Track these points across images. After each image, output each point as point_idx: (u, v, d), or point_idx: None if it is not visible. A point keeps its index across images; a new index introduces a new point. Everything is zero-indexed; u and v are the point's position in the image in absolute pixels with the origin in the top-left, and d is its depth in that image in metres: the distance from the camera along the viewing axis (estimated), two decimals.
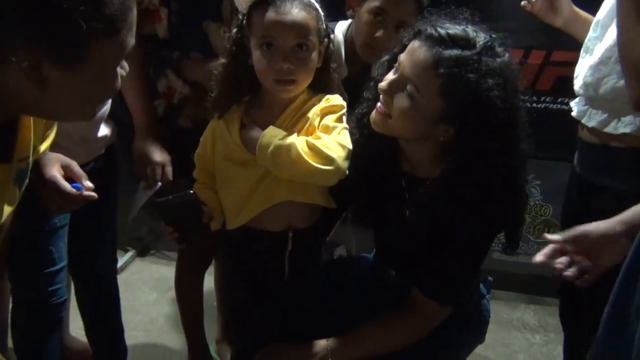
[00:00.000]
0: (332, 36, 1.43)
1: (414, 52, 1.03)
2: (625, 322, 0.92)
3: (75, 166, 1.06)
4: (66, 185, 1.02)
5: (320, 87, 1.13)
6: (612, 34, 1.17)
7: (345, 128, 1.10)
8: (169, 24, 1.41)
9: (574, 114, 1.32)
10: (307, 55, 1.05)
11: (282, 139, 1.03)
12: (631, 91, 1.04)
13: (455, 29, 1.01)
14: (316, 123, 1.09)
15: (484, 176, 1.04)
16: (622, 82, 1.13)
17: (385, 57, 1.14)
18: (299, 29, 1.02)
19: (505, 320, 2.18)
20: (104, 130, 1.38)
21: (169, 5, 1.40)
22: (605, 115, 1.21)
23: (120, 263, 2.32)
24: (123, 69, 0.81)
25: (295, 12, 1.02)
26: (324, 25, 1.08)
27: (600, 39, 1.23)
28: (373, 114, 1.11)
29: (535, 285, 2.22)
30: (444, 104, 1.02)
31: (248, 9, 1.06)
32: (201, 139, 1.17)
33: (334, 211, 1.23)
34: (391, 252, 1.31)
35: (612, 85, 1.18)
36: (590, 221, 1.27)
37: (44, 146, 1.00)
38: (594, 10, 1.32)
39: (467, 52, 0.99)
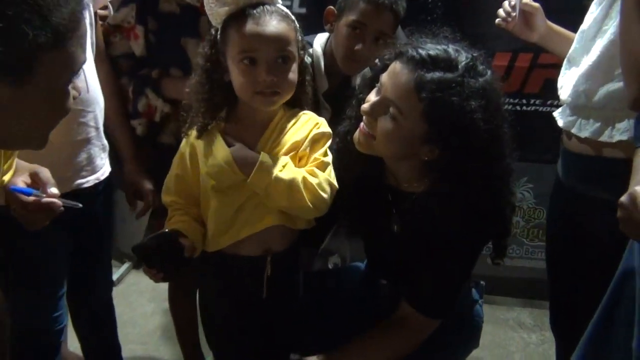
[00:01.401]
0: (310, 49, 1.44)
1: (396, 74, 1.02)
2: (608, 336, 0.94)
3: (43, 172, 0.97)
4: (18, 194, 0.93)
5: (295, 101, 1.12)
6: (600, 44, 1.17)
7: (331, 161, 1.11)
8: (146, 42, 1.41)
9: (560, 124, 1.30)
10: (289, 67, 1.04)
11: (281, 171, 1.02)
12: (630, 91, 1.03)
13: (436, 50, 1.00)
14: (307, 150, 1.08)
15: (469, 192, 1.04)
16: (615, 87, 1.13)
17: (367, 75, 1.14)
18: (280, 40, 1.01)
19: (501, 321, 2.19)
20: (95, 154, 1.34)
21: (146, 23, 1.39)
22: (598, 124, 1.20)
23: (116, 275, 2.32)
24: (76, 90, 0.76)
25: (275, 24, 1.00)
26: (301, 36, 1.07)
27: (585, 49, 1.22)
28: (357, 134, 1.10)
29: (531, 288, 2.22)
30: (427, 126, 1.01)
31: (223, 22, 1.03)
32: (176, 160, 1.14)
33: (325, 223, 1.23)
34: (382, 262, 1.31)
35: (605, 92, 1.17)
36: (578, 231, 1.29)
37: (7, 177, 0.95)
38: (571, 27, 1.33)
39: (449, 75, 0.98)
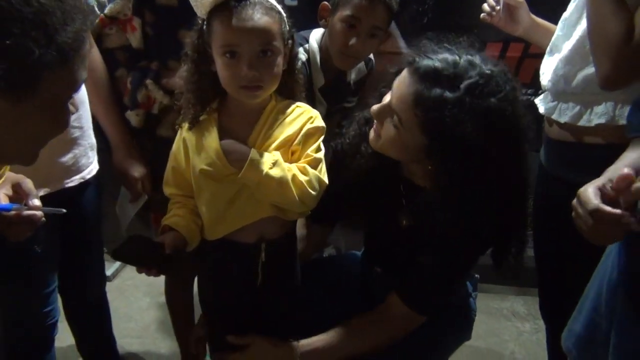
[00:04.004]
0: (306, 45, 1.44)
1: (402, 83, 1.01)
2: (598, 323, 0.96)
3: (25, 183, 0.95)
4: None
5: (286, 91, 1.11)
6: (580, 29, 1.18)
7: (324, 155, 1.11)
8: (143, 35, 1.40)
9: (541, 111, 1.31)
10: (272, 61, 1.02)
11: (271, 168, 1.02)
12: (599, 68, 1.05)
13: (445, 64, 0.97)
14: (300, 144, 1.08)
15: (477, 198, 1.02)
16: (592, 71, 1.13)
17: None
18: (262, 34, 0.99)
19: (494, 310, 2.21)
20: (81, 153, 1.34)
21: (143, 15, 1.39)
22: (577, 109, 1.21)
23: (112, 270, 2.33)
24: (73, 106, 0.76)
25: (257, 18, 0.98)
26: (287, 27, 1.05)
27: (567, 35, 1.24)
28: (372, 131, 1.10)
29: (525, 277, 2.23)
30: (426, 140, 1.00)
31: (207, 14, 1.01)
32: (172, 152, 1.14)
33: (330, 214, 1.25)
34: (381, 253, 1.31)
35: (583, 76, 1.18)
36: (562, 216, 1.29)
37: None
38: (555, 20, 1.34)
39: (447, 94, 0.95)
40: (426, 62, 0.98)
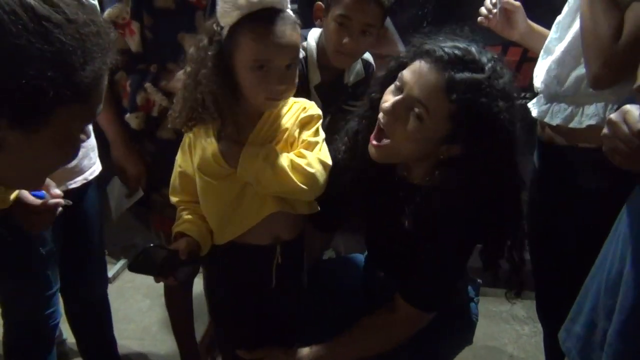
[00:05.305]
0: (304, 43, 1.45)
1: (423, 73, 1.00)
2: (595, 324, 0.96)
3: None
4: (28, 197, 0.96)
5: None
6: (573, 31, 1.19)
7: (323, 140, 1.11)
8: (142, 38, 1.41)
9: (534, 114, 1.32)
10: (295, 72, 1.04)
11: (265, 158, 1.02)
12: (590, 67, 1.07)
13: (461, 50, 0.99)
14: (296, 134, 1.09)
15: (477, 191, 1.03)
16: (584, 72, 1.15)
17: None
18: (293, 50, 1.01)
19: (494, 313, 2.21)
20: (82, 155, 1.35)
21: (142, 19, 1.40)
22: (568, 110, 1.22)
23: (112, 272, 2.34)
24: (85, 134, 0.77)
25: (289, 34, 0.99)
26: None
27: (561, 39, 1.25)
28: (371, 147, 1.09)
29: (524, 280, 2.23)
30: (451, 126, 1.00)
31: (232, 24, 0.99)
32: (179, 156, 1.14)
33: (332, 221, 1.26)
34: (383, 255, 1.31)
35: (574, 77, 1.20)
36: (556, 219, 1.31)
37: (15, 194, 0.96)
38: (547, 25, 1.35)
39: (478, 75, 0.97)
40: (446, 50, 0.99)
